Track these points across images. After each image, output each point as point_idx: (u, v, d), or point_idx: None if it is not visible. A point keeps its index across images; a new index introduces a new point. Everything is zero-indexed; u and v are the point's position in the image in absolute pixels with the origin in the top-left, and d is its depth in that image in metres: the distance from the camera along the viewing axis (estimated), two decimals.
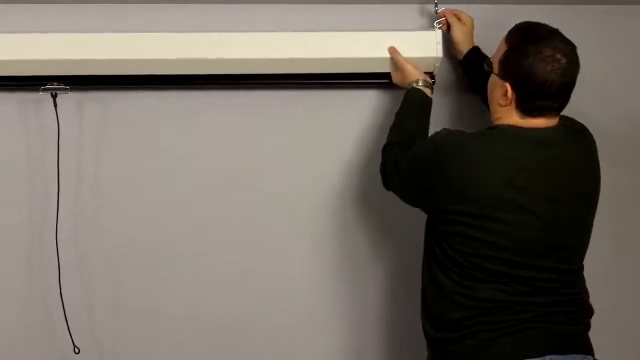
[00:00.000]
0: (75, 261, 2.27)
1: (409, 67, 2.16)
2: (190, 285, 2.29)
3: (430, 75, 2.28)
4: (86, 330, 2.26)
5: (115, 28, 2.25)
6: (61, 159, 2.23)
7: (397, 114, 2.12)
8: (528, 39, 1.88)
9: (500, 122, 1.93)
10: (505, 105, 1.90)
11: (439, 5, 2.29)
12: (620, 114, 2.35)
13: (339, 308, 2.32)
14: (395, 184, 2.02)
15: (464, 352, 1.85)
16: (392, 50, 2.20)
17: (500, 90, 1.90)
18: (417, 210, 2.03)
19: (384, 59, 2.22)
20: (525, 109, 1.87)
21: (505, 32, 2.31)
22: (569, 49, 1.86)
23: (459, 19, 2.25)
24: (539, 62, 1.83)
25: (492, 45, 2.29)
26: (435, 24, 2.28)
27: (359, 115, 2.32)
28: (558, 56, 1.83)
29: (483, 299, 1.84)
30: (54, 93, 2.22)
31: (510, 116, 1.90)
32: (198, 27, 2.27)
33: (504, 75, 1.89)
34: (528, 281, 1.85)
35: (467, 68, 2.26)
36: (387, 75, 2.27)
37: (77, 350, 2.22)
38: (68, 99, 2.24)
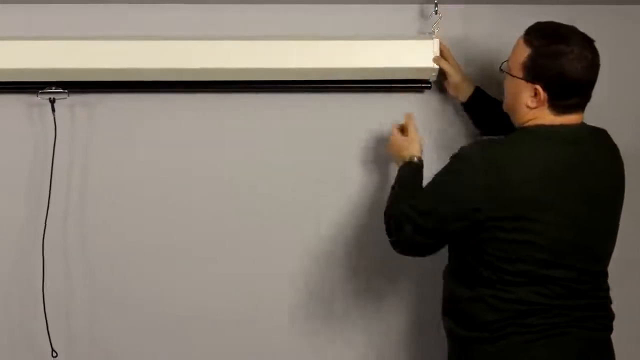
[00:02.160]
0: (67, 262, 2.32)
1: (417, 141, 2.13)
2: (187, 287, 2.32)
3: (426, 82, 2.28)
4: (85, 331, 2.32)
5: (115, 28, 2.25)
6: (58, 162, 2.26)
7: (396, 184, 2.07)
8: (554, 39, 1.89)
9: (530, 123, 1.93)
10: (535, 107, 1.90)
11: (438, 5, 2.27)
12: (619, 114, 2.36)
13: (340, 309, 2.37)
14: (412, 232, 1.90)
15: (494, 353, 1.86)
16: (408, 117, 2.19)
17: (528, 93, 1.90)
18: None
19: (380, 68, 2.23)
20: (559, 108, 1.89)
21: (505, 32, 2.31)
22: (592, 44, 1.89)
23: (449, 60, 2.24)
24: (570, 60, 1.85)
25: (493, 45, 2.33)
26: (433, 28, 2.26)
27: (358, 119, 2.34)
28: (585, 53, 1.86)
29: (518, 301, 1.84)
30: (52, 98, 2.22)
31: (542, 116, 1.91)
32: (198, 27, 2.27)
33: (532, 78, 1.89)
34: (563, 283, 1.85)
35: (475, 110, 2.25)
36: (383, 82, 2.29)
37: (54, 354, 2.25)
38: (64, 102, 2.25)
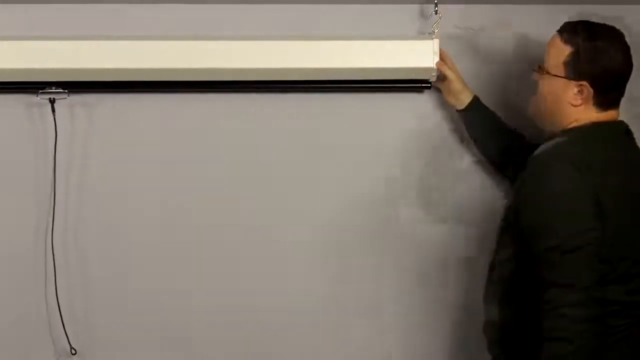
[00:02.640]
0: (72, 261, 2.32)
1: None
2: (187, 287, 2.32)
3: (426, 82, 2.28)
4: (84, 332, 2.31)
5: (115, 28, 2.25)
6: (57, 162, 2.26)
7: None
8: (595, 36, 1.92)
9: (577, 123, 1.94)
10: (579, 105, 1.93)
11: (438, 5, 2.27)
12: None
13: (342, 310, 2.36)
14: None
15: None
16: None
17: (572, 91, 1.92)
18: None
19: (380, 68, 2.23)
20: (605, 103, 1.93)
21: (505, 32, 2.32)
22: (624, 37, 1.96)
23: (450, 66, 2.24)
24: (612, 55, 1.90)
25: (493, 45, 2.34)
26: (433, 28, 2.27)
27: (358, 119, 2.34)
28: (622, 46, 1.93)
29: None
30: (52, 98, 2.22)
31: (588, 113, 1.93)
32: (198, 27, 2.27)
33: (577, 76, 1.92)
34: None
35: (472, 118, 2.24)
36: (383, 82, 2.29)
37: (73, 352, 2.26)
38: (64, 102, 2.25)
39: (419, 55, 2.23)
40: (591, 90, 1.91)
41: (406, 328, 2.37)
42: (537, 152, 1.96)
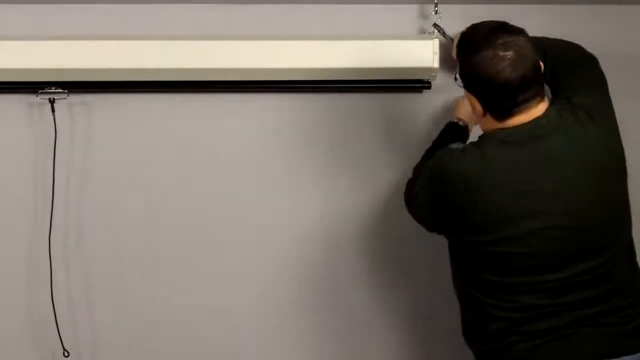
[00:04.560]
0: (71, 261, 2.32)
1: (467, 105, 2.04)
2: (187, 287, 2.33)
3: (426, 82, 2.28)
4: (85, 332, 2.32)
5: (115, 28, 2.26)
6: (57, 162, 2.26)
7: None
8: (467, 50, 1.81)
9: (485, 131, 1.88)
10: (483, 115, 1.84)
11: (438, 5, 2.28)
12: (619, 114, 2.36)
13: (340, 310, 2.37)
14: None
15: None
16: None
17: (472, 103, 1.85)
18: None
19: (380, 68, 2.23)
20: (499, 113, 1.80)
21: None
22: (512, 40, 1.76)
23: None
24: (485, 67, 1.75)
25: None
26: (432, 28, 2.27)
27: (358, 118, 2.34)
28: (501, 53, 1.74)
29: (516, 308, 1.80)
30: (52, 98, 2.23)
31: (491, 123, 1.83)
32: (198, 27, 2.28)
33: (468, 89, 1.84)
34: (561, 282, 1.78)
35: None
36: (383, 82, 2.29)
37: (66, 354, 2.26)
38: (64, 102, 2.25)
39: (419, 55, 2.22)
40: (479, 102, 1.81)
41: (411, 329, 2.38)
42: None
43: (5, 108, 2.27)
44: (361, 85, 2.30)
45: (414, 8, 2.32)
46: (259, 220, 2.34)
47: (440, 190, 1.85)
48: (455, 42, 2.02)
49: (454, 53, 2.14)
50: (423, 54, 2.22)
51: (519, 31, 1.80)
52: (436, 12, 2.27)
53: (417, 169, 2.05)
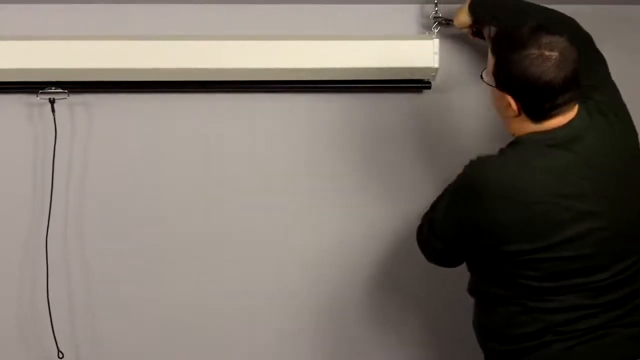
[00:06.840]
0: (70, 261, 2.32)
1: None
2: (187, 287, 2.33)
3: (426, 82, 2.28)
4: (80, 333, 2.32)
5: (115, 28, 2.26)
6: (57, 162, 2.26)
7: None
8: (510, 46, 1.76)
9: (518, 133, 1.83)
10: (515, 116, 1.79)
11: (438, 5, 2.27)
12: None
13: (339, 310, 2.37)
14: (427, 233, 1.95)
15: None
16: None
17: (504, 102, 1.79)
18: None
19: (380, 68, 2.23)
20: (537, 115, 1.77)
21: None
22: (557, 41, 1.74)
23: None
24: (529, 66, 1.72)
25: None
26: (433, 29, 2.27)
27: (358, 119, 2.34)
28: (547, 53, 1.72)
29: (558, 309, 1.79)
30: (52, 98, 2.23)
31: (526, 125, 1.79)
32: (198, 27, 2.27)
33: (502, 87, 1.79)
34: (605, 282, 1.79)
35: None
36: (383, 82, 2.29)
37: (61, 355, 2.26)
38: (64, 102, 2.25)
39: (419, 55, 2.22)
40: (516, 103, 1.77)
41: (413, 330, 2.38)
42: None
43: (5, 108, 2.27)
44: (361, 85, 2.29)
45: (414, 8, 2.31)
46: (258, 220, 2.34)
47: (478, 201, 1.78)
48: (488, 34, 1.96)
49: (460, 19, 2.18)
50: (423, 54, 2.22)
51: (560, 32, 1.77)
52: (436, 12, 2.27)
53: (434, 204, 1.98)
